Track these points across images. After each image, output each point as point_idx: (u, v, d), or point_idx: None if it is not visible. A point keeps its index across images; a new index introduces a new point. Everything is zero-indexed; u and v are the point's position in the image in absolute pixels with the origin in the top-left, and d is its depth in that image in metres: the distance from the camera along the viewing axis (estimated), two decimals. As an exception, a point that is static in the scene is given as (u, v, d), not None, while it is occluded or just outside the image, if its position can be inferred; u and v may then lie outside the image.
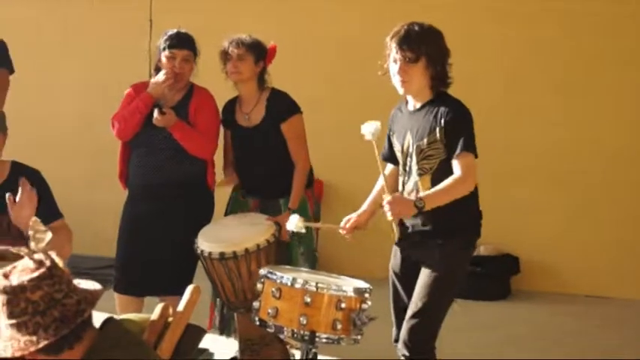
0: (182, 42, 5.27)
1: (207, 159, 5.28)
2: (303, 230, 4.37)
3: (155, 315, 4.22)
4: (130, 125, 5.26)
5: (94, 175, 7.65)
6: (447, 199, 4.17)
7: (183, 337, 4.01)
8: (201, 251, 4.89)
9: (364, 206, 4.53)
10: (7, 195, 4.32)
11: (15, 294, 2.59)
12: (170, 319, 4.11)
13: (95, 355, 2.69)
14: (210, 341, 4.59)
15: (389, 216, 4.12)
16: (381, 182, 4.49)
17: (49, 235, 4.10)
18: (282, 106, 5.22)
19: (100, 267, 7.04)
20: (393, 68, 4.26)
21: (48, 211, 4.56)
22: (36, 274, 2.61)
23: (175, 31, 5.31)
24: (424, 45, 4.20)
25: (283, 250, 5.10)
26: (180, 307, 4.10)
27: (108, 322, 2.86)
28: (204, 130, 5.22)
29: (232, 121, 5.31)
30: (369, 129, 4.23)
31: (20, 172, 4.64)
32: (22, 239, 4.57)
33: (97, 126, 6.13)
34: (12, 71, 6.10)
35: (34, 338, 2.58)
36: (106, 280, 6.61)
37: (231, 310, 5.20)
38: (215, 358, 4.65)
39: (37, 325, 2.59)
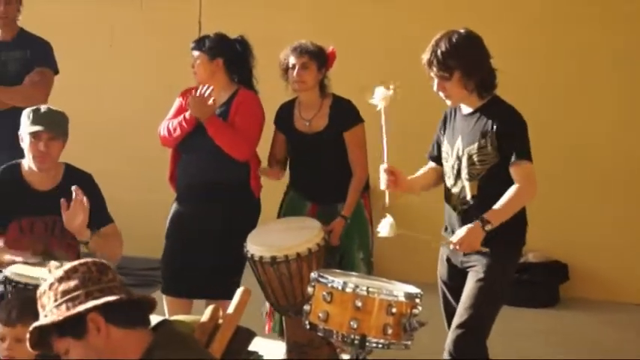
0: (197, 43, 5.34)
1: (242, 159, 5.25)
2: (393, 234, 4.34)
3: (205, 317, 4.24)
4: (173, 138, 5.33)
5: (142, 177, 7.69)
6: (512, 211, 4.21)
7: (232, 339, 4.02)
8: (252, 255, 4.90)
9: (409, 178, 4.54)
10: (62, 200, 4.37)
11: (68, 275, 2.72)
12: (220, 321, 4.14)
13: (152, 355, 2.71)
14: (260, 344, 4.59)
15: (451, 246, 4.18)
16: (425, 168, 4.52)
17: None
18: (347, 114, 5.21)
19: (149, 268, 7.07)
20: (433, 86, 4.31)
21: (99, 217, 4.62)
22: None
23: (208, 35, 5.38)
24: (453, 60, 4.21)
25: (335, 254, 5.09)
26: (230, 309, 4.11)
27: (162, 323, 2.88)
28: (240, 129, 5.22)
29: (289, 126, 5.31)
30: (378, 95, 4.32)
31: (73, 175, 4.71)
32: (70, 240, 4.62)
33: (145, 128, 6.16)
34: (56, 72, 6.14)
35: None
36: (155, 282, 6.70)
37: (279, 313, 5.20)
38: (264, 360, 4.64)
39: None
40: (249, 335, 4.41)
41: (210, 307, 4.38)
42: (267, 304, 5.26)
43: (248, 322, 4.25)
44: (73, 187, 4.39)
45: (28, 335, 2.78)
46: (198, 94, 5.12)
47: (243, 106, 5.24)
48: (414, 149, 4.97)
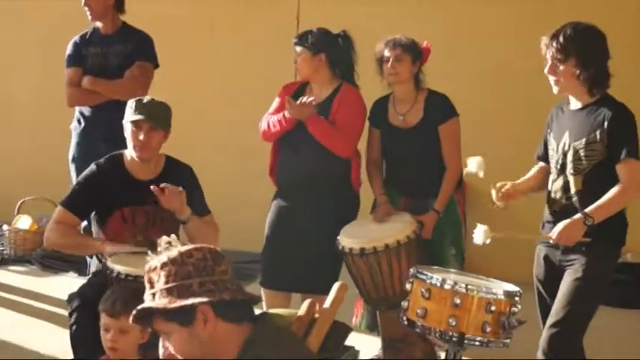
0: (300, 38, 5.35)
1: (345, 156, 5.26)
2: (487, 241, 4.32)
3: (302, 311, 4.25)
4: (273, 133, 5.35)
5: (241, 171, 7.75)
6: (616, 209, 4.19)
7: (329, 334, 4.03)
8: (342, 247, 4.91)
9: (520, 182, 4.55)
10: (152, 186, 4.44)
11: (183, 260, 2.74)
12: (317, 315, 4.15)
13: (251, 348, 2.72)
14: (356, 339, 4.59)
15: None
16: (534, 170, 4.49)
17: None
18: (442, 108, 5.19)
19: (245, 262, 7.14)
20: (545, 67, 4.27)
21: (197, 207, 4.67)
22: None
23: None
24: (573, 45, 4.19)
25: (426, 249, 5.08)
26: (327, 303, 4.12)
27: (262, 316, 2.89)
28: (343, 126, 5.21)
29: (383, 121, 5.30)
30: (473, 163, 4.46)
31: (173, 167, 4.76)
32: (170, 230, 4.67)
33: (245, 123, 6.21)
34: (156, 66, 6.22)
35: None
36: (251, 275, 6.75)
37: (371, 307, 5.20)
38: (360, 356, 4.63)
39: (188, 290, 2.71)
40: (346, 330, 4.41)
41: (307, 302, 4.39)
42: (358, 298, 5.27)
43: (344, 317, 4.26)
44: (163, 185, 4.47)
45: (134, 311, 2.80)
46: (298, 103, 5.14)
47: (345, 102, 5.24)
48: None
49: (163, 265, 2.75)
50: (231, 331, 2.75)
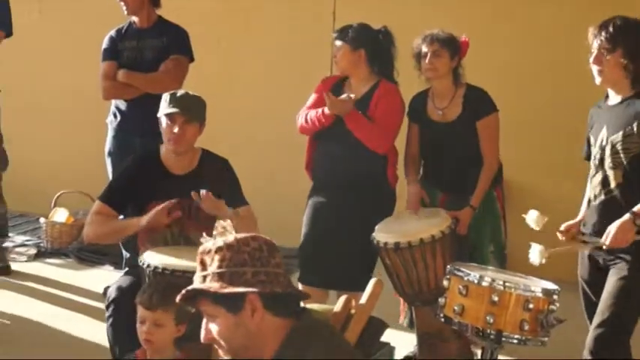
0: (340, 32, 5.32)
1: (382, 152, 5.24)
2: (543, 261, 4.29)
3: (338, 307, 4.25)
4: (310, 128, 5.35)
5: (276, 166, 7.75)
6: None
7: (365, 330, 4.02)
8: (377, 242, 4.89)
9: (581, 215, 4.50)
10: (192, 193, 4.45)
11: (239, 247, 2.74)
12: (352, 311, 4.14)
13: (294, 341, 2.72)
14: (392, 335, 4.58)
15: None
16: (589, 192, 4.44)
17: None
18: (481, 103, 5.17)
19: (284, 256, 7.12)
20: (591, 57, 4.23)
21: (234, 198, 4.68)
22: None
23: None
24: (622, 36, 4.15)
25: (464, 246, 5.05)
26: (363, 299, 4.11)
27: (303, 311, 2.88)
28: (380, 123, 5.20)
29: (422, 115, 5.28)
30: (532, 217, 4.37)
31: (209, 160, 4.77)
32: (206, 223, 4.68)
33: (280, 117, 6.20)
34: (191, 60, 6.23)
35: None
36: (289, 270, 6.74)
37: (406, 302, 5.18)
38: (397, 352, 4.62)
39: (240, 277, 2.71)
40: (382, 326, 4.40)
41: (343, 298, 4.39)
42: None
43: (380, 313, 4.25)
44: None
45: (184, 291, 2.80)
46: (339, 99, 5.12)
47: (384, 99, 5.22)
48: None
49: (219, 250, 2.75)
50: (275, 325, 2.74)
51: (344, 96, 5.14)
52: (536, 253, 4.20)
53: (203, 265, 2.77)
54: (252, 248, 2.74)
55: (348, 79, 5.39)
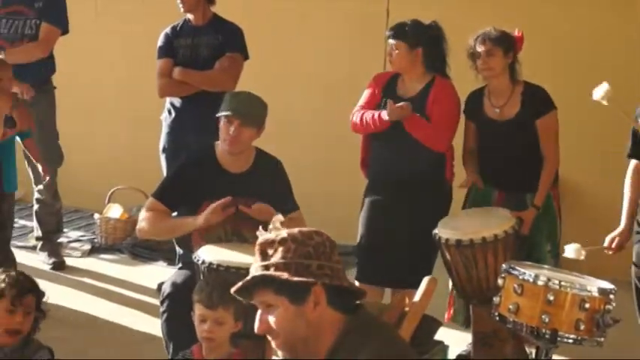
0: (396, 30, 5.28)
1: (441, 151, 5.24)
2: (582, 257, 4.27)
3: (392, 304, 4.26)
4: (363, 129, 5.35)
5: (330, 164, 7.75)
6: None
7: (418, 328, 4.02)
8: (439, 238, 4.87)
9: (622, 224, 4.52)
10: (240, 207, 4.48)
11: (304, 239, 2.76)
12: (406, 309, 4.14)
13: (351, 337, 2.72)
14: (445, 333, 4.57)
15: None
16: (628, 193, 4.39)
17: None
18: (540, 101, 5.13)
19: (339, 254, 7.11)
20: None
21: (285, 203, 4.68)
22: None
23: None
24: None
25: (524, 246, 5.01)
26: (417, 297, 4.11)
27: (359, 308, 2.88)
28: (439, 121, 5.17)
29: (479, 113, 5.25)
30: (600, 93, 4.25)
31: (263, 160, 4.79)
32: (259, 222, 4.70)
33: (334, 115, 6.20)
34: (246, 57, 6.25)
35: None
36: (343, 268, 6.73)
37: (464, 300, 5.16)
38: (449, 350, 4.61)
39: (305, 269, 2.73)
40: (435, 324, 4.40)
41: (397, 295, 4.39)
42: (450, 292, 5.22)
43: (434, 311, 4.25)
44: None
45: (248, 278, 2.80)
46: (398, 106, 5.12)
47: (441, 97, 5.20)
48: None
49: (283, 241, 2.76)
50: (334, 319, 2.76)
51: (402, 103, 5.12)
52: (571, 252, 4.22)
53: (264, 256, 2.78)
54: (317, 242, 2.76)
55: (400, 75, 5.37)
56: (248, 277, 2.79)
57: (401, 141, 5.16)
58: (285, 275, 2.70)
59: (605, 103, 4.24)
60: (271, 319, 2.76)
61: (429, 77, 5.27)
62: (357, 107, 5.38)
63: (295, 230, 2.80)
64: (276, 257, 2.74)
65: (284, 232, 2.79)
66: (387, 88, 5.29)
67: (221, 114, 4.64)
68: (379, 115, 5.18)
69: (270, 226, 2.90)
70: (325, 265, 2.73)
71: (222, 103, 4.67)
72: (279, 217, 2.93)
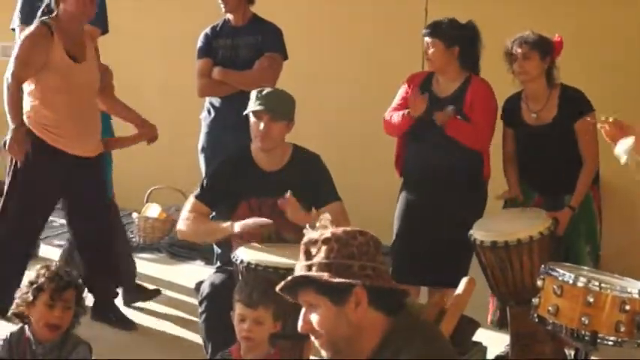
0: (434, 29, 5.27)
1: (481, 151, 5.23)
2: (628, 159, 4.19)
3: (430, 304, 4.24)
4: (393, 130, 5.37)
5: (368, 161, 7.74)
6: None
7: (456, 329, 4.00)
8: (474, 239, 4.86)
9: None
10: (279, 201, 4.47)
11: (347, 239, 2.76)
12: (444, 308, 4.12)
13: (395, 338, 2.71)
14: (483, 335, 4.55)
15: None
16: None
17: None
18: (578, 104, 5.10)
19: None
20: None
21: (327, 193, 4.69)
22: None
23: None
24: None
25: (560, 247, 4.98)
26: (456, 297, 4.09)
27: (402, 307, 2.87)
28: (478, 121, 5.17)
29: (517, 118, 5.24)
30: (623, 148, 4.15)
31: (300, 156, 4.78)
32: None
33: (372, 113, 6.18)
34: (285, 57, 6.26)
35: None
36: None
37: (500, 302, 5.14)
38: (488, 352, 4.59)
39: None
40: (474, 325, 4.38)
41: (436, 295, 4.38)
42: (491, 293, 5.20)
43: (472, 311, 4.23)
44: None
45: (288, 278, 2.81)
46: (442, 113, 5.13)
47: (480, 97, 5.20)
48: None
49: (326, 241, 2.76)
50: (376, 320, 2.75)
51: (449, 109, 5.12)
52: (623, 148, 4.10)
53: (308, 255, 2.78)
54: (360, 242, 2.75)
55: (435, 74, 5.37)
56: (289, 277, 2.80)
57: (437, 139, 5.16)
58: (325, 276, 2.70)
59: (623, 159, 4.17)
60: (314, 319, 2.76)
61: (464, 76, 5.27)
62: (390, 108, 5.39)
63: (339, 230, 2.79)
64: (319, 257, 2.74)
65: (328, 232, 2.79)
66: (422, 88, 5.29)
67: (250, 110, 4.65)
68: (408, 112, 5.22)
69: (317, 224, 2.89)
70: (368, 265, 2.72)
71: (250, 100, 4.68)
72: (327, 216, 2.91)
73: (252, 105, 4.64)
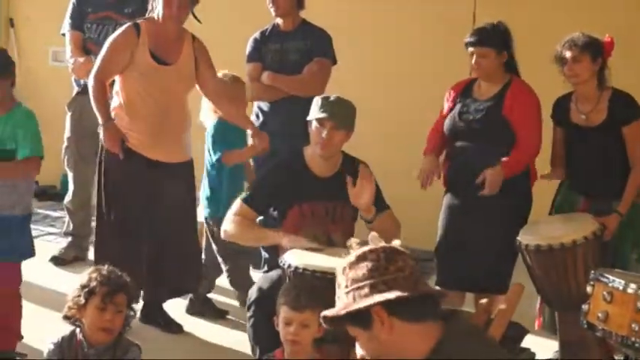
0: (483, 35, 5.22)
1: (528, 155, 5.19)
2: None
3: (478, 311, 4.23)
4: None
5: (411, 167, 7.72)
6: None
7: (505, 335, 3.99)
8: (519, 243, 4.84)
9: None
10: (348, 177, 4.49)
11: (357, 263, 2.72)
12: (492, 315, 4.11)
13: (442, 349, 2.68)
14: (532, 341, 4.53)
15: None
16: None
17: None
18: (627, 108, 5.04)
19: (421, 259, 7.08)
20: None
21: (379, 201, 4.71)
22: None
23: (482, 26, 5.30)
24: None
25: (606, 253, 4.94)
26: (504, 304, 4.08)
27: (453, 314, 2.84)
28: (524, 125, 5.12)
29: (566, 119, 5.20)
30: None
31: (350, 163, 4.82)
32: (348, 226, 4.73)
33: (419, 120, 6.17)
34: (334, 62, 6.28)
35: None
36: (425, 273, 6.70)
37: (547, 305, 5.10)
38: (537, 358, 4.57)
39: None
40: (522, 332, 4.37)
41: (483, 301, 4.36)
42: (539, 299, 5.17)
43: (520, 317, 4.21)
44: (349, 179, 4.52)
45: (321, 319, 2.81)
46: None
47: (519, 102, 5.16)
48: None
49: (344, 270, 2.75)
50: (411, 330, 2.68)
51: (490, 180, 5.08)
52: None
53: (338, 288, 2.77)
54: (370, 260, 2.70)
55: (477, 80, 5.35)
56: (321, 319, 2.82)
57: (482, 142, 5.15)
58: (342, 310, 2.70)
59: None
60: (359, 348, 2.77)
61: (506, 78, 5.25)
62: (438, 118, 5.43)
63: (353, 254, 2.75)
64: (342, 288, 2.74)
65: (347, 259, 2.75)
66: (464, 95, 5.31)
67: (313, 117, 4.68)
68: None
69: (370, 244, 2.86)
70: (378, 281, 2.67)
71: (313, 106, 4.70)
72: (375, 234, 2.88)
73: (317, 112, 4.67)
